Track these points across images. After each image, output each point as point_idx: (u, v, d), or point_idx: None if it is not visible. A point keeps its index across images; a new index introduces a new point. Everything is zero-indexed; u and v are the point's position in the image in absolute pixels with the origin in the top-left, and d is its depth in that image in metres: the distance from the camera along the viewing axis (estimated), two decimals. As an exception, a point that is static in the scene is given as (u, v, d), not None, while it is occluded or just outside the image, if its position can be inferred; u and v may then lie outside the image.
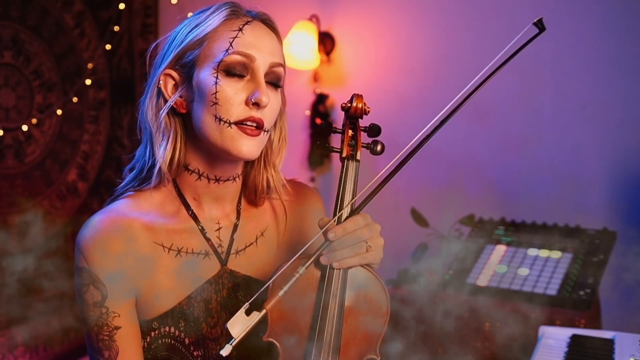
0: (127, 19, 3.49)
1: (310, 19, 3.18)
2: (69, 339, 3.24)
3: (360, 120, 1.18)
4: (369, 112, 1.17)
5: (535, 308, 2.17)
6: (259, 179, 1.25)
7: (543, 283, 2.28)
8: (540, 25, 1.19)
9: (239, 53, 1.12)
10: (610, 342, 1.70)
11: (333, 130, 1.18)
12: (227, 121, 1.12)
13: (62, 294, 3.18)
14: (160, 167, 1.17)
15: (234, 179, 1.23)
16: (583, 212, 2.68)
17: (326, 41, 3.24)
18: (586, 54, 2.75)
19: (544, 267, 2.35)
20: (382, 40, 3.19)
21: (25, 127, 2.96)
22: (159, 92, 1.18)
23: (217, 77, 1.12)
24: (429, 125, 1.10)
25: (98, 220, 1.17)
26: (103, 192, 3.36)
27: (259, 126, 1.13)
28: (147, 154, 1.20)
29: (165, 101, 1.17)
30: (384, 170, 1.09)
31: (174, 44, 1.18)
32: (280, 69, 1.18)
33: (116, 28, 3.39)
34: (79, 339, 3.28)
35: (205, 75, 1.13)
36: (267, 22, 1.19)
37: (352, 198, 1.13)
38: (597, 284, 2.24)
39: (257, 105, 1.12)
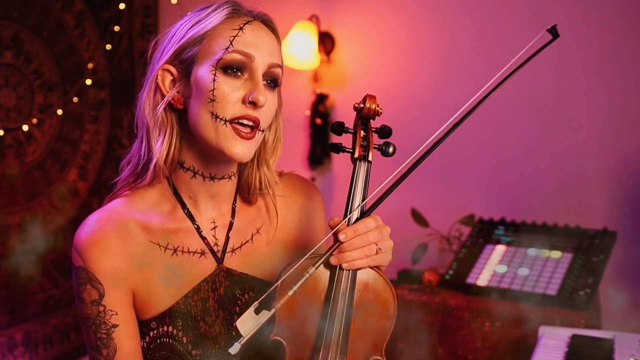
0: (127, 19, 3.49)
1: (310, 19, 3.18)
2: (68, 338, 3.24)
3: (372, 121, 1.18)
4: (381, 113, 1.17)
5: (535, 308, 2.17)
6: (252, 177, 1.26)
7: (543, 283, 2.27)
8: (554, 32, 1.19)
9: (238, 52, 1.13)
10: (610, 342, 1.71)
11: (345, 130, 1.18)
12: (223, 119, 1.12)
13: (62, 294, 3.19)
14: (156, 162, 1.17)
15: (229, 177, 1.24)
16: (583, 212, 2.68)
17: (326, 41, 3.24)
18: (586, 54, 2.75)
19: (544, 267, 2.35)
20: (382, 40, 3.19)
21: (25, 127, 2.96)
22: (157, 87, 1.19)
23: (215, 74, 1.13)
24: (442, 128, 1.09)
25: (94, 220, 1.19)
26: (103, 192, 3.36)
27: (255, 125, 1.14)
28: (143, 149, 1.20)
29: (163, 96, 1.18)
30: (395, 173, 1.09)
31: (174, 40, 1.18)
32: (279, 70, 1.19)
33: (116, 28, 3.39)
34: (79, 338, 3.28)
35: (204, 72, 1.14)
36: (268, 23, 1.20)
37: (363, 199, 1.13)
38: (597, 284, 2.24)
39: (253, 104, 1.13)
